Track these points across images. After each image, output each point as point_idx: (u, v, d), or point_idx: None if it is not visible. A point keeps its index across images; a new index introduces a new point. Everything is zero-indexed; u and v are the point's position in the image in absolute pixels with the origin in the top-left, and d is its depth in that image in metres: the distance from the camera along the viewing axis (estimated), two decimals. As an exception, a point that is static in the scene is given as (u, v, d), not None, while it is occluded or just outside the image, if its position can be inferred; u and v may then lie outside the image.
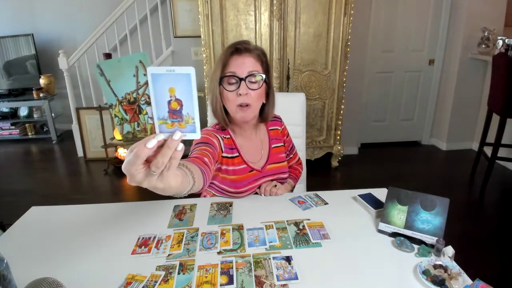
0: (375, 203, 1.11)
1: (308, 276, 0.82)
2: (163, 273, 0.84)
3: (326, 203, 1.16)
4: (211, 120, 1.46)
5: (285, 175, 1.28)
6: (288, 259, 0.87)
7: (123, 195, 2.90)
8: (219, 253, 0.91)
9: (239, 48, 1.05)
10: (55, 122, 4.15)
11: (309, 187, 1.63)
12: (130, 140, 0.50)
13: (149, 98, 0.54)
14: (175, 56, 3.44)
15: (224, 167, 1.16)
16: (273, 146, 1.27)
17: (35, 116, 4.29)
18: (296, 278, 0.81)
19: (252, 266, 0.85)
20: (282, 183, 1.29)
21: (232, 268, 0.84)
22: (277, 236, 0.97)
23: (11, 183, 3.11)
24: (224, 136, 1.17)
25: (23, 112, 4.31)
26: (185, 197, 1.21)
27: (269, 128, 1.29)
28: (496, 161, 2.72)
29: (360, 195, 1.16)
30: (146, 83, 0.47)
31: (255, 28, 2.78)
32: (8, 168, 3.49)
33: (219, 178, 1.17)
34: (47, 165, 3.53)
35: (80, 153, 3.62)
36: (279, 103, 1.45)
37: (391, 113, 3.76)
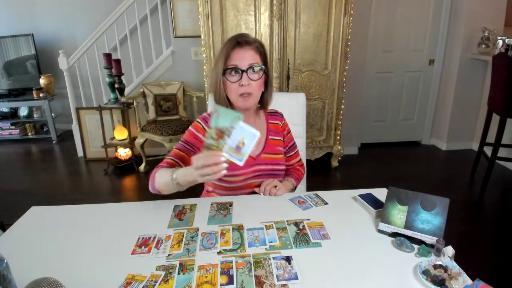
0: (375, 203, 1.11)
1: (308, 276, 0.82)
2: (163, 273, 0.83)
3: (326, 203, 1.16)
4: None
5: (281, 167, 1.30)
6: (288, 259, 0.87)
7: (123, 195, 2.90)
8: (219, 253, 0.91)
9: (240, 42, 1.13)
10: (55, 122, 4.15)
11: (309, 187, 1.63)
12: (208, 148, 0.80)
13: (230, 134, 0.88)
14: (175, 56, 3.44)
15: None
16: (270, 137, 1.30)
17: (35, 116, 4.29)
18: (296, 278, 0.81)
19: (252, 266, 0.85)
20: (279, 176, 1.29)
21: (232, 268, 0.84)
22: (277, 236, 0.97)
23: (11, 183, 3.11)
24: None
25: (23, 112, 4.31)
26: (185, 197, 1.22)
27: (269, 121, 1.33)
28: (496, 161, 2.72)
29: (360, 195, 1.16)
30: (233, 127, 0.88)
31: (255, 28, 2.78)
32: (8, 168, 3.49)
33: None
34: (47, 165, 3.53)
35: (80, 153, 3.62)
36: (279, 103, 1.46)
37: (391, 113, 3.76)
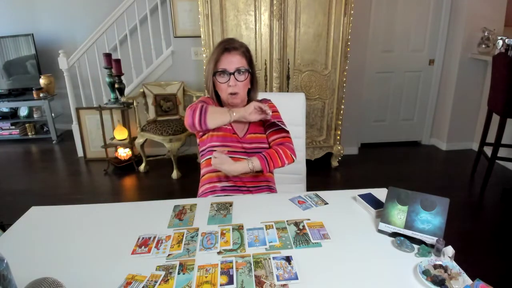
0: (375, 203, 1.11)
1: (308, 276, 0.82)
2: (163, 273, 0.84)
3: (326, 203, 1.16)
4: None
5: (265, 146, 1.36)
6: (288, 259, 0.87)
7: (123, 195, 2.90)
8: (219, 253, 0.91)
9: (228, 48, 1.29)
10: (55, 122, 4.14)
11: (309, 187, 1.63)
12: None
13: None
14: (175, 56, 3.44)
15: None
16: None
17: (35, 116, 4.28)
18: (296, 278, 0.81)
19: (252, 266, 0.85)
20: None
21: (232, 268, 0.84)
22: (277, 236, 0.97)
23: (11, 183, 3.11)
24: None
25: (23, 112, 4.30)
26: (185, 197, 1.22)
27: None
28: (496, 161, 2.72)
29: (360, 195, 1.16)
30: None
31: (255, 28, 2.78)
32: (8, 168, 3.49)
33: (210, 137, 1.33)
34: (47, 165, 3.53)
35: (80, 153, 3.62)
36: (279, 103, 1.46)
37: (391, 113, 3.76)
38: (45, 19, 4.11)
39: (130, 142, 3.24)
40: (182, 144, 3.11)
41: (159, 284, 0.80)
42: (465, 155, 3.51)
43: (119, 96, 3.22)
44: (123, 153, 3.29)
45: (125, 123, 3.26)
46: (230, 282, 0.80)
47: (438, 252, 0.88)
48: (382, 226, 0.99)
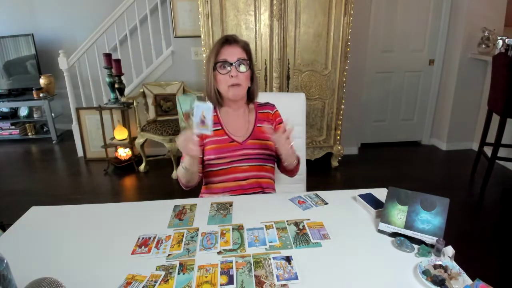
0: (375, 203, 1.11)
1: (308, 276, 0.82)
2: (163, 273, 0.84)
3: (326, 203, 1.16)
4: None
5: (268, 152, 1.33)
6: (288, 259, 0.87)
7: (123, 195, 2.90)
8: (219, 253, 0.91)
9: (229, 39, 1.28)
10: (55, 122, 4.14)
11: (309, 187, 1.63)
12: (183, 130, 1.15)
13: (193, 114, 1.06)
14: (175, 56, 3.44)
15: (208, 139, 1.31)
16: (258, 125, 1.36)
17: (35, 116, 4.28)
18: (296, 278, 0.81)
19: (252, 266, 0.85)
20: (267, 161, 1.33)
21: (232, 268, 0.84)
22: (277, 236, 0.97)
23: (11, 183, 3.11)
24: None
25: (23, 112, 4.31)
26: (185, 197, 1.22)
27: (259, 111, 1.40)
28: (496, 161, 2.72)
29: (360, 195, 1.16)
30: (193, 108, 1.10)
31: (255, 28, 2.78)
32: (8, 168, 3.49)
33: (205, 151, 1.31)
34: (47, 165, 3.53)
35: (80, 153, 3.62)
36: (280, 103, 1.46)
37: (391, 113, 3.76)
38: (45, 19, 4.10)
39: (130, 142, 3.24)
40: (182, 144, 3.11)
41: (159, 284, 0.80)
42: (465, 155, 3.51)
43: (119, 96, 3.22)
44: (123, 153, 3.29)
45: (125, 123, 3.26)
46: (230, 282, 0.80)
47: (438, 252, 0.88)
48: (382, 226, 0.99)
